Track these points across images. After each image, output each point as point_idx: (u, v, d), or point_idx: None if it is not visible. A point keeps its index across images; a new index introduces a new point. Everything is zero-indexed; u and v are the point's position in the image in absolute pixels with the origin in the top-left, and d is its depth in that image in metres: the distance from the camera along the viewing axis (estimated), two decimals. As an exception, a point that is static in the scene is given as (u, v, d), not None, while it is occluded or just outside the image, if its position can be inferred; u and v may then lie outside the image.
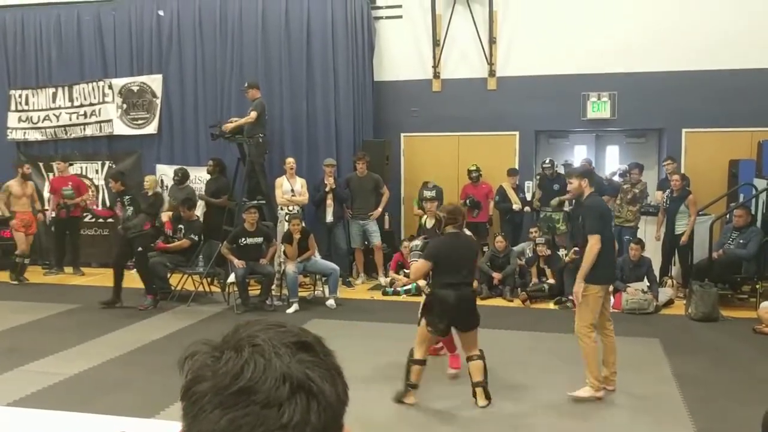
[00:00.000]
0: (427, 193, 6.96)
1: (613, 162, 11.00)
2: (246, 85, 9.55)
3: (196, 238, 8.87)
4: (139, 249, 8.29)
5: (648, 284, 8.26)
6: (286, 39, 10.40)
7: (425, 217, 7.31)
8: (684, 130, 9.99)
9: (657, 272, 8.77)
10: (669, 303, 8.34)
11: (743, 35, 9.43)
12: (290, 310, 8.16)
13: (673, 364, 5.95)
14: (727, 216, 8.84)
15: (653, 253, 8.99)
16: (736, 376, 5.73)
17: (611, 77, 10.00)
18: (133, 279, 8.61)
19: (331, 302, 8.38)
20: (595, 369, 5.14)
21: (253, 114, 9.23)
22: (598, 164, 10.97)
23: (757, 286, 8.18)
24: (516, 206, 9.88)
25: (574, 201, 9.95)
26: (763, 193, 8.48)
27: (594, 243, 5.05)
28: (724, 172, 9.76)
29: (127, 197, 8.43)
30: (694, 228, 8.70)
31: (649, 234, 9.39)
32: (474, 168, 10.02)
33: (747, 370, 5.79)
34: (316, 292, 8.97)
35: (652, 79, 9.84)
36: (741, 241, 8.25)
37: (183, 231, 8.87)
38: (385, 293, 9.10)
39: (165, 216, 9.54)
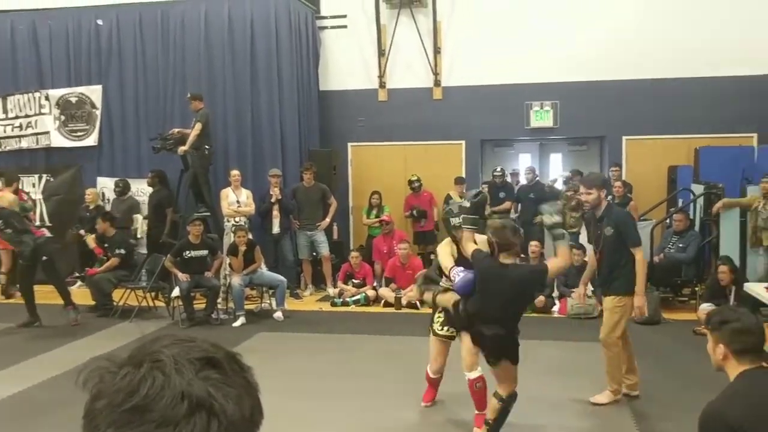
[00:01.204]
0: (455, 221, 4.71)
1: (556, 169, 11.20)
2: (189, 95, 9.39)
3: (123, 251, 8.65)
4: (44, 258, 7.87)
5: (592, 289, 8.38)
6: (230, 49, 10.26)
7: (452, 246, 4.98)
8: (624, 138, 10.24)
9: (601, 277, 8.92)
10: (613, 307, 8.49)
11: (681, 45, 9.73)
12: (237, 324, 8.02)
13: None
14: (667, 221, 9.08)
15: (597, 258, 9.14)
16: (678, 377, 5.85)
17: (553, 86, 10.19)
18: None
19: (278, 315, 8.27)
20: (619, 376, 5.27)
21: (198, 126, 9.09)
22: (543, 172, 11.17)
23: (697, 289, 8.41)
24: (463, 215, 9.93)
25: (519, 207, 10.12)
26: (701, 198, 8.74)
27: (641, 255, 5.07)
28: (664, 178, 10.04)
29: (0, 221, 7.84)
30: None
31: (593, 240, 9.54)
32: (415, 178, 10.09)
33: (688, 371, 5.92)
34: (263, 304, 8.84)
35: (592, 88, 10.07)
36: (681, 245, 8.47)
37: (108, 249, 8.65)
38: (333, 304, 9.03)
39: (91, 241, 9.20)
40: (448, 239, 5.09)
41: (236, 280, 8.18)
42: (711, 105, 9.73)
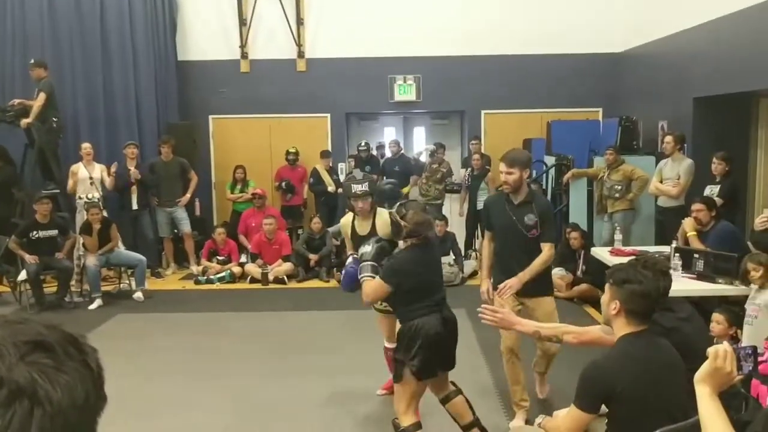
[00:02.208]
0: (357, 188, 4.51)
1: (420, 142, 11.46)
2: (32, 61, 8.67)
3: None
4: None
5: (454, 257, 8.71)
6: (77, 14, 9.56)
7: (352, 218, 4.65)
8: (483, 112, 10.61)
9: (462, 246, 9.28)
10: (473, 274, 8.85)
11: (534, 25, 10.16)
12: (93, 306, 7.62)
13: (477, 332, 6.27)
14: (523, 191, 9.52)
15: (458, 228, 9.49)
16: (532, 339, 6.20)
17: (415, 61, 10.34)
18: None
19: (138, 295, 7.92)
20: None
21: (42, 96, 8.44)
22: (407, 145, 11.36)
23: (550, 254, 8.91)
24: (330, 188, 9.93)
25: (384, 180, 10.23)
26: (552, 168, 9.25)
27: (552, 252, 4.42)
28: (519, 150, 10.50)
29: None
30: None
31: (454, 210, 9.89)
32: (293, 151, 9.96)
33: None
34: (121, 285, 8.44)
35: (452, 63, 10.31)
36: (534, 214, 8.93)
37: None
38: (197, 282, 8.77)
39: None
40: (349, 215, 4.69)
41: (91, 261, 7.74)
42: (562, 81, 10.27)
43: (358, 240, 4.44)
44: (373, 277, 3.89)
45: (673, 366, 2.62)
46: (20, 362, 0.73)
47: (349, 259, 4.41)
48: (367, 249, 4.03)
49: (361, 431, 4.57)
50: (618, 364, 2.54)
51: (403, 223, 3.85)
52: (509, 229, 4.41)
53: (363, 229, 4.52)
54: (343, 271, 4.45)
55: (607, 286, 2.67)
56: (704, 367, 1.70)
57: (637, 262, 2.65)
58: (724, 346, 1.70)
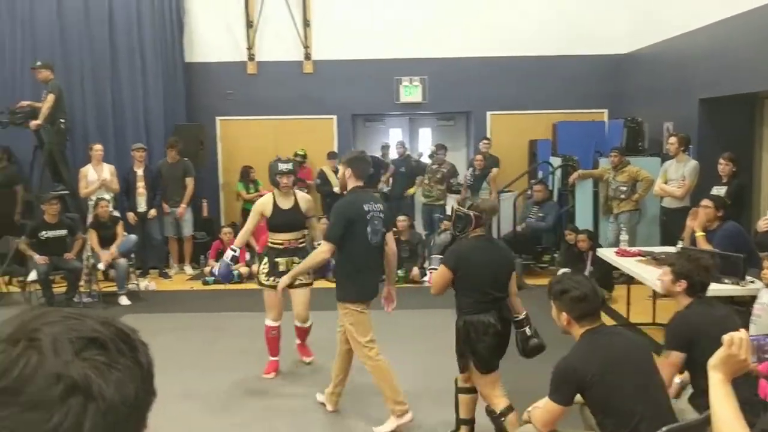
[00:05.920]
0: (283, 166, 5.32)
1: (426, 144, 11.50)
2: (38, 64, 8.73)
3: None
4: None
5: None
6: (85, 16, 9.64)
7: (272, 197, 5.35)
8: (489, 113, 10.64)
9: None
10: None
11: (539, 25, 10.20)
12: (124, 302, 7.83)
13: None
14: (528, 192, 9.57)
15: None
16: (541, 335, 6.20)
17: (421, 62, 10.39)
18: None
19: (123, 299, 7.97)
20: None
21: (51, 97, 8.50)
22: (412, 146, 11.40)
23: (555, 255, 8.95)
24: (337, 189, 9.96)
25: (390, 181, 10.24)
26: (558, 170, 9.27)
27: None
28: (525, 151, 10.55)
29: None
30: (500, 204, 9.32)
31: (458, 211, 9.91)
32: (302, 155, 10.02)
33: (549, 330, 6.29)
34: (129, 285, 8.48)
35: (458, 64, 10.35)
36: (540, 215, 8.98)
37: None
38: (205, 283, 8.82)
39: None
40: (267, 195, 5.44)
41: (122, 260, 7.92)
42: (567, 82, 10.30)
43: (280, 214, 5.19)
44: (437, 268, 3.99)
45: (636, 347, 2.84)
46: (75, 358, 0.74)
47: (228, 254, 5.45)
48: (444, 237, 4.19)
49: (363, 426, 4.60)
50: (584, 356, 2.80)
51: (471, 212, 3.91)
52: None
53: (286, 204, 5.26)
54: (221, 263, 5.48)
55: (552, 302, 2.94)
56: (718, 354, 1.69)
57: (568, 271, 3.01)
58: (740, 334, 1.68)
